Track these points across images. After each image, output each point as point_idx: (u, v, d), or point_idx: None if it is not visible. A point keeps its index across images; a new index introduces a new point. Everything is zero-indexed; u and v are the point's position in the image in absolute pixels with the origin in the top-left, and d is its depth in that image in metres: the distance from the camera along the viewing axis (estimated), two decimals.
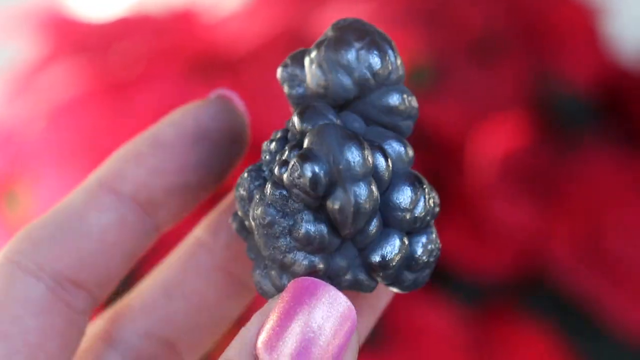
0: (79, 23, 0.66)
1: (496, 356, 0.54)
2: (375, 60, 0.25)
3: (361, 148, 0.24)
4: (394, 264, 0.25)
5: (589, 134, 0.60)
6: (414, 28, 0.59)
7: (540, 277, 0.55)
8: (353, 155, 0.24)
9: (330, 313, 0.24)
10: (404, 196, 0.25)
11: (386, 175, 0.25)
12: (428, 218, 0.25)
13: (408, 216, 0.25)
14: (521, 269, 0.55)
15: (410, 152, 0.25)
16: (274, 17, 0.63)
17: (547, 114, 0.60)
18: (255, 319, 0.25)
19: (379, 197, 0.24)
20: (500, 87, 0.59)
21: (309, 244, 0.24)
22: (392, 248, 0.25)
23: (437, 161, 0.56)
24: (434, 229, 0.26)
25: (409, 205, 0.25)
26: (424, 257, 0.25)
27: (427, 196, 0.25)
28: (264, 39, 0.61)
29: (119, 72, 0.60)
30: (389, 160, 0.25)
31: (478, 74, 0.59)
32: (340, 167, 0.24)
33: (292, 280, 0.25)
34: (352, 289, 0.26)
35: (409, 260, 0.25)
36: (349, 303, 0.24)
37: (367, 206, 0.24)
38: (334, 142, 0.24)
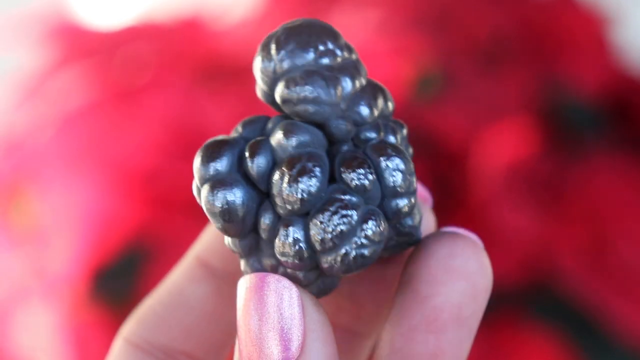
0: (88, 31, 0.66)
1: None
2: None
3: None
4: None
5: (595, 141, 0.60)
6: (422, 35, 0.59)
7: (546, 284, 0.55)
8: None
9: (269, 295, 0.25)
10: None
11: None
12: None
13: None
14: (527, 276, 0.55)
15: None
16: (281, 22, 0.63)
17: (554, 121, 0.60)
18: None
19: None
20: (507, 95, 0.59)
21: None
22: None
23: (443, 168, 0.56)
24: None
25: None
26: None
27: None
28: None
29: (126, 79, 0.60)
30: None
31: (485, 82, 0.58)
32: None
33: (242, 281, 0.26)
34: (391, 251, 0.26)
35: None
36: (281, 278, 0.25)
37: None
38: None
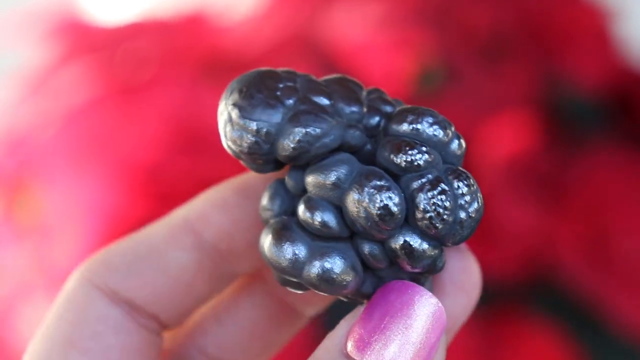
0: (91, 27, 0.66)
1: (503, 357, 0.54)
2: None
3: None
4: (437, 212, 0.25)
5: (596, 136, 0.60)
6: (424, 30, 0.59)
7: (546, 278, 0.55)
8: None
9: (422, 313, 0.24)
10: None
11: None
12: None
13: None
14: (528, 270, 0.55)
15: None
16: (284, 22, 0.63)
17: (555, 116, 0.60)
18: (343, 322, 0.25)
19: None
20: (508, 89, 0.59)
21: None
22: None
23: None
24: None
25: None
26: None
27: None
28: (274, 43, 0.61)
29: (129, 75, 0.60)
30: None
31: (486, 76, 0.59)
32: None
33: (384, 284, 0.25)
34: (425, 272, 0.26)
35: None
36: (439, 303, 0.25)
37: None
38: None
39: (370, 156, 0.25)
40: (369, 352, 0.24)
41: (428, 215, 0.24)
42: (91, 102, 0.58)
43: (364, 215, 0.24)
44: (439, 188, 0.24)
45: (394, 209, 0.24)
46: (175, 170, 0.55)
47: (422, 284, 0.26)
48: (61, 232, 0.55)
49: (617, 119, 0.62)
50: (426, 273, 0.25)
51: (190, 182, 0.54)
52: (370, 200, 0.24)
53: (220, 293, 0.29)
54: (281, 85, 0.25)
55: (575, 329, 0.54)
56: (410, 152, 0.24)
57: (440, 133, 0.25)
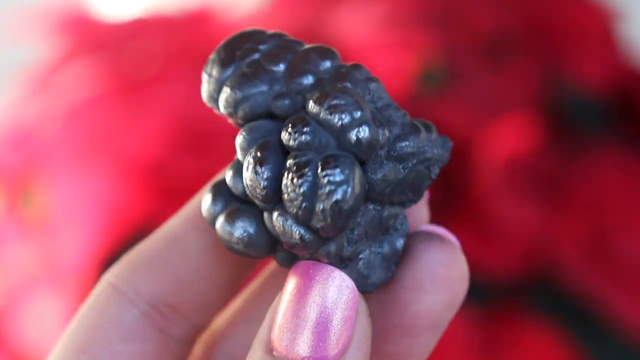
0: (96, 23, 0.66)
1: (503, 356, 0.54)
2: None
3: None
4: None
5: (598, 136, 0.60)
6: (426, 29, 0.59)
7: (547, 277, 0.55)
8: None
9: (329, 290, 0.24)
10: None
11: None
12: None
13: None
14: (528, 269, 0.55)
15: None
16: (288, 21, 0.63)
17: (557, 116, 0.60)
18: (268, 314, 0.25)
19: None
20: (510, 89, 0.59)
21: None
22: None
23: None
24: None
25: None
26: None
27: None
28: None
29: (134, 72, 0.60)
30: None
31: (489, 76, 0.59)
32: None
33: (292, 267, 0.25)
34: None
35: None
36: (346, 279, 0.24)
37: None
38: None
39: None
40: (291, 345, 0.24)
41: (287, 197, 0.24)
42: (95, 99, 0.58)
43: (247, 184, 0.24)
44: (298, 172, 0.24)
45: (262, 183, 0.24)
46: (179, 167, 0.55)
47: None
48: (65, 228, 0.55)
49: (619, 120, 0.62)
50: (331, 263, 0.25)
51: (194, 178, 0.55)
52: (248, 171, 0.24)
53: (248, 288, 0.29)
54: (246, 46, 0.26)
55: (575, 327, 0.54)
56: (294, 130, 0.24)
57: (336, 118, 0.24)
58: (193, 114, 0.57)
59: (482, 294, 0.54)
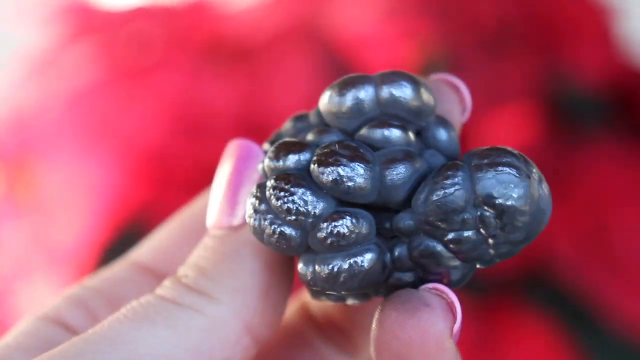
0: (96, 9, 0.66)
1: (499, 350, 0.54)
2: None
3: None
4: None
5: (596, 130, 0.60)
6: (428, 20, 0.59)
7: (543, 271, 0.56)
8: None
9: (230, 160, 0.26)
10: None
11: None
12: None
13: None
14: (524, 263, 0.56)
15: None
16: (288, 11, 0.63)
17: (556, 109, 0.60)
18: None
19: None
20: (510, 81, 0.59)
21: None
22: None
23: None
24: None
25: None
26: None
27: None
28: (277, 31, 0.61)
29: (133, 59, 0.60)
30: None
31: (489, 67, 0.59)
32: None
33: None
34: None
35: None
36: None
37: None
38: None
39: None
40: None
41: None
42: (95, 85, 0.58)
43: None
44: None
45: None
46: (176, 154, 0.55)
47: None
48: (63, 212, 0.55)
49: (617, 115, 0.62)
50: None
51: (191, 165, 0.55)
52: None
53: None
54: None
55: (571, 322, 0.54)
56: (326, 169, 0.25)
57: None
58: (191, 102, 0.57)
59: (478, 287, 0.55)
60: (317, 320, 0.29)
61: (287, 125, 0.26)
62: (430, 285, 0.25)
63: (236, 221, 0.25)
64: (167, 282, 0.25)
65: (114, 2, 0.67)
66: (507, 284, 0.55)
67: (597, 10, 0.66)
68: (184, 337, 0.24)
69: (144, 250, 0.29)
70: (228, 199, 0.25)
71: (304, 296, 0.30)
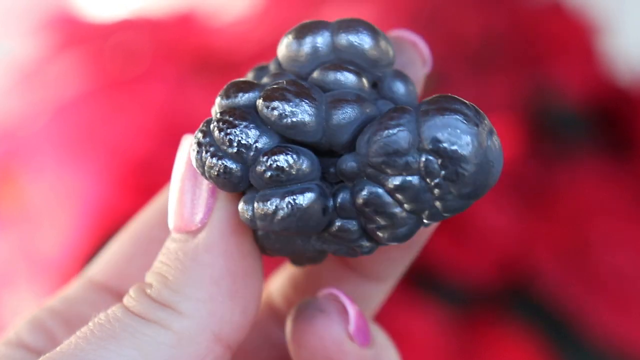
0: (83, 20, 0.67)
1: None
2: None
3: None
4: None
5: (579, 146, 0.61)
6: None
7: (523, 284, 0.56)
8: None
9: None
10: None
11: None
12: None
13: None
14: (505, 275, 0.56)
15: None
16: (275, 24, 0.63)
17: (540, 124, 0.61)
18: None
19: None
20: (494, 95, 0.59)
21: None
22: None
23: None
24: None
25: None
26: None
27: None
28: (264, 45, 0.62)
29: (119, 70, 0.60)
30: None
31: (474, 82, 0.59)
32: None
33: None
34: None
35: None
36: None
37: None
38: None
39: None
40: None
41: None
42: (81, 95, 0.58)
43: None
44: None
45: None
46: (161, 164, 0.55)
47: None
48: (48, 222, 0.55)
49: (599, 131, 0.62)
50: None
51: None
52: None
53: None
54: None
55: (551, 334, 0.54)
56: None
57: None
58: (177, 113, 0.57)
59: (458, 298, 0.55)
60: (281, 312, 0.29)
61: (249, 75, 0.26)
62: (326, 290, 0.26)
63: (194, 225, 0.25)
64: (132, 293, 0.25)
65: (101, 13, 0.67)
66: (489, 297, 0.56)
67: (581, 28, 0.67)
68: (153, 356, 0.23)
69: (97, 267, 0.29)
70: (183, 200, 0.25)
71: (267, 289, 0.30)
